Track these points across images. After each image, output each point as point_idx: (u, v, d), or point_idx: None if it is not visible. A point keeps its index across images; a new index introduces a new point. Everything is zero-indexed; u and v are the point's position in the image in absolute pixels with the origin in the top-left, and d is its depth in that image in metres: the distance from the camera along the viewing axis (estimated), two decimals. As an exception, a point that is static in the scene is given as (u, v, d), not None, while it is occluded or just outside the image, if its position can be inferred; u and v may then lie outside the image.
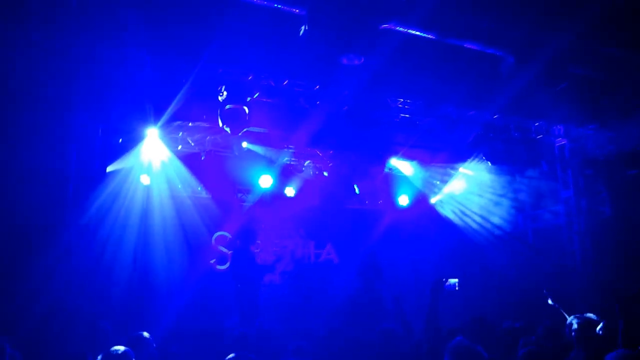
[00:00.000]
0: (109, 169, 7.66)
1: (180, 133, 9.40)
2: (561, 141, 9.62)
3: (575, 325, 3.95)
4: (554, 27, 6.39)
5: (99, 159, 6.93)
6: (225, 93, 7.11)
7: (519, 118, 9.07)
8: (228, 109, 7.03)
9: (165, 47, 6.53)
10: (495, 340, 4.69)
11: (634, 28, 6.42)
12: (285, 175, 10.77)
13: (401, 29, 6.41)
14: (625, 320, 3.55)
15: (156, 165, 9.23)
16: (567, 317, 4.49)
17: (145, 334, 4.47)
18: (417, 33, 6.53)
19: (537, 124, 9.35)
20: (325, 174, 11.07)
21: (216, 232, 10.65)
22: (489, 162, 9.14)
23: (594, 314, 4.17)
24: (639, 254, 7.99)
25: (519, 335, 4.74)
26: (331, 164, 10.99)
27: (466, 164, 10.68)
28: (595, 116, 8.63)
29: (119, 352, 3.60)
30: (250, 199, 10.76)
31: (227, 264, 10.48)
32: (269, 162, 10.27)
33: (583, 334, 3.85)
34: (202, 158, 9.78)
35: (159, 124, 7.69)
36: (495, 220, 10.98)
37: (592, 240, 9.13)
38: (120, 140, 7.99)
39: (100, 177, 7.05)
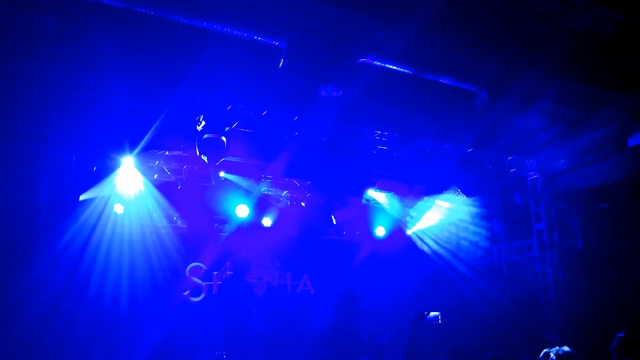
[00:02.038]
0: (82, 197, 7.51)
1: (157, 162, 9.32)
2: (533, 175, 9.82)
3: (552, 357, 3.95)
4: (526, 63, 6.61)
5: (71, 188, 6.80)
6: (203, 122, 7.10)
7: (492, 152, 9.27)
8: (206, 138, 7.02)
9: (143, 75, 6.53)
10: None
11: (603, 66, 6.69)
12: (262, 205, 10.72)
13: (378, 63, 6.54)
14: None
15: (131, 194, 9.10)
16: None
17: None
18: (394, 67, 6.68)
19: (510, 158, 9.56)
20: (303, 204, 11.06)
21: (191, 262, 10.46)
22: (464, 195, 9.26)
23: (567, 345, 4.18)
24: (610, 285, 8.11)
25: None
26: (309, 195, 11.00)
27: (442, 196, 10.81)
28: (566, 151, 8.88)
29: None
30: (227, 229, 10.65)
31: (202, 296, 10.27)
32: (246, 192, 10.23)
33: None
34: (179, 187, 9.68)
35: (135, 152, 7.62)
36: (470, 252, 11.08)
37: (564, 272, 9.25)
38: (95, 168, 7.88)
39: (72, 206, 6.90)
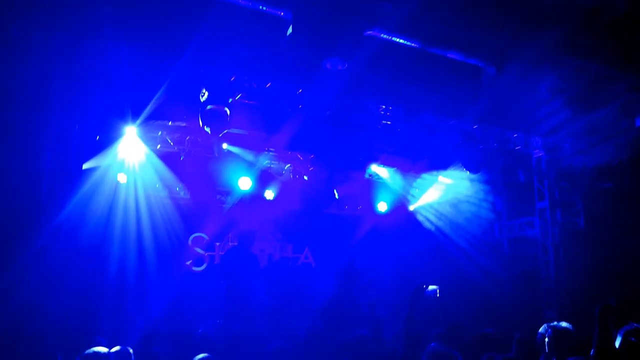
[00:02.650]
0: (85, 166, 7.52)
1: (160, 132, 9.29)
2: (538, 153, 9.78)
3: (549, 333, 3.99)
4: (534, 39, 6.50)
5: (75, 157, 6.79)
6: (206, 93, 7.04)
7: (497, 129, 9.20)
8: (209, 109, 6.97)
9: (146, 44, 6.45)
10: (468, 347, 4.72)
11: (612, 42, 6.58)
12: (265, 178, 10.73)
13: (385, 36, 6.44)
14: (599, 331, 3.62)
15: (134, 163, 9.11)
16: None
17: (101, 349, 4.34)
18: (401, 41, 6.58)
19: (515, 135, 9.50)
20: (305, 178, 11.05)
21: (193, 233, 10.53)
22: (467, 171, 9.23)
23: (565, 322, 4.22)
24: (610, 265, 8.15)
25: (491, 342, 4.78)
26: (311, 168, 10.99)
27: (445, 172, 10.79)
28: (572, 130, 8.81)
29: (101, 353, 3.49)
30: (229, 200, 10.68)
31: (204, 265, 10.38)
32: (249, 165, 10.22)
33: (557, 341, 3.89)
34: (182, 158, 9.68)
35: (138, 122, 7.59)
36: (472, 228, 11.12)
37: (565, 251, 9.29)
38: (97, 137, 7.86)
39: (76, 175, 6.91)
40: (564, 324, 4.05)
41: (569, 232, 9.38)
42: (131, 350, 4.30)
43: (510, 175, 10.40)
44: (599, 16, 6.20)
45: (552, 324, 4.09)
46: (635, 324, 3.98)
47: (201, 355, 3.69)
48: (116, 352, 3.97)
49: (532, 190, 9.89)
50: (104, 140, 8.03)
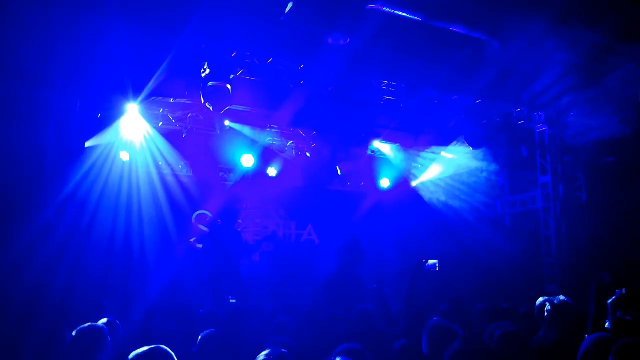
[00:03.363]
0: (87, 144, 7.53)
1: (161, 109, 9.27)
2: (541, 127, 9.73)
3: (548, 307, 4.04)
4: (538, 11, 6.41)
5: (77, 135, 6.79)
6: (207, 70, 6.99)
7: (500, 103, 9.14)
8: (211, 86, 6.93)
9: (147, 20, 6.39)
10: (470, 321, 4.79)
11: (616, 16, 6.48)
12: (267, 155, 10.73)
13: (387, 9, 6.36)
14: (595, 306, 3.66)
15: (136, 141, 9.11)
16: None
17: (102, 321, 4.40)
18: (403, 14, 6.49)
19: (518, 109, 9.44)
20: (308, 154, 11.05)
21: (197, 210, 10.59)
22: (470, 147, 9.21)
23: (567, 296, 4.27)
24: (612, 239, 8.19)
25: (493, 316, 4.84)
26: (314, 145, 10.97)
27: (448, 147, 10.77)
28: (575, 104, 8.75)
29: (95, 327, 3.54)
30: (232, 178, 10.71)
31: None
32: (252, 142, 10.21)
33: (556, 315, 3.94)
34: (184, 135, 9.68)
35: (139, 99, 7.57)
36: (474, 203, 11.15)
37: (567, 225, 9.32)
38: (99, 115, 7.85)
39: (78, 152, 6.92)
40: (563, 297, 4.10)
41: (571, 206, 9.39)
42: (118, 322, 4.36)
43: (513, 150, 10.37)
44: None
45: (551, 297, 4.14)
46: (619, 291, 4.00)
47: (208, 331, 3.75)
48: (104, 323, 4.04)
49: (535, 165, 9.88)
50: (105, 117, 8.01)
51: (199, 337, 3.66)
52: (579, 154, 9.36)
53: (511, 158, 10.50)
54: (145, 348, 2.76)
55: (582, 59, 7.69)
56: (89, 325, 3.53)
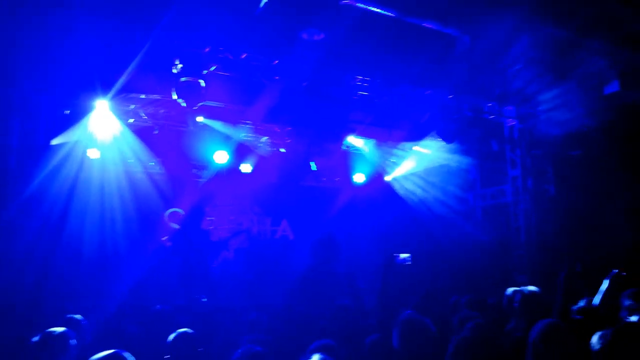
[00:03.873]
0: (54, 142, 7.35)
1: (132, 105, 9.09)
2: (511, 122, 9.91)
3: (518, 297, 4.12)
4: (507, 8, 6.51)
5: (43, 132, 6.63)
6: (180, 65, 6.88)
7: (471, 98, 9.27)
8: (183, 81, 6.83)
9: (116, 14, 6.25)
10: (442, 313, 4.85)
11: (582, 12, 6.63)
12: (241, 151, 10.65)
13: (361, 5, 6.37)
14: (563, 295, 3.74)
15: (106, 138, 8.92)
16: None
17: (78, 316, 4.33)
18: (377, 10, 6.51)
19: (489, 104, 9.59)
20: (283, 150, 11.02)
21: (169, 208, 10.46)
22: (442, 141, 9.32)
23: (535, 287, 4.36)
24: (579, 231, 8.41)
25: (464, 307, 4.93)
26: (288, 141, 10.95)
27: (421, 142, 10.88)
28: (543, 98, 8.93)
29: (57, 333, 3.48)
30: (205, 174, 10.60)
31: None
32: (225, 138, 10.11)
33: (526, 305, 4.02)
34: (155, 132, 9.52)
35: (109, 95, 7.41)
36: (447, 197, 11.31)
37: (536, 218, 9.53)
38: (67, 112, 7.66)
39: (44, 150, 6.76)
40: (532, 288, 4.18)
41: (540, 199, 9.61)
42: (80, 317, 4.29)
43: (484, 144, 10.54)
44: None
45: (520, 288, 4.22)
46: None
47: (181, 330, 3.71)
48: (71, 325, 3.97)
49: (505, 159, 10.06)
50: (73, 114, 7.83)
51: (171, 337, 3.62)
52: (548, 147, 9.58)
53: (483, 152, 10.68)
54: (104, 353, 2.73)
55: (550, 54, 7.86)
56: (51, 330, 3.47)
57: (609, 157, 8.47)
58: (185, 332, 3.69)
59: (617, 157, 8.39)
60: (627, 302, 4.72)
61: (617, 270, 4.19)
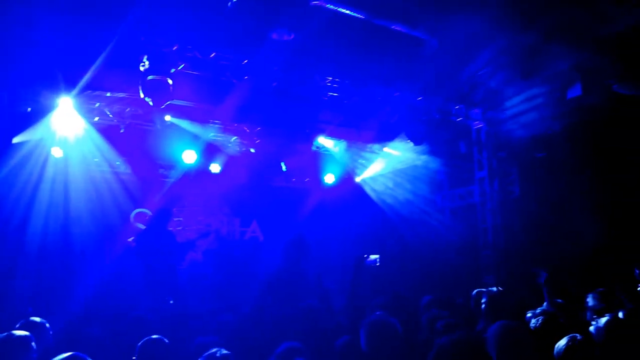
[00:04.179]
0: (15, 140, 7.11)
1: (97, 103, 8.87)
2: (478, 124, 10.09)
3: (484, 298, 4.18)
4: (474, 12, 6.62)
5: (3, 129, 6.41)
6: (147, 63, 6.74)
7: (440, 100, 9.40)
8: (150, 79, 6.69)
9: (81, 8, 6.07)
10: (413, 314, 4.89)
11: (546, 18, 6.80)
12: (210, 151, 10.52)
13: (331, 6, 6.37)
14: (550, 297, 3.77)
15: (70, 137, 8.68)
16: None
17: (38, 319, 4.20)
18: (347, 12, 6.53)
19: (457, 107, 9.74)
20: (252, 150, 10.94)
21: (136, 208, 10.25)
22: (411, 143, 9.42)
23: (502, 287, 4.44)
24: (543, 231, 8.62)
25: (435, 309, 4.97)
26: (258, 141, 10.87)
27: (391, 143, 10.97)
28: (509, 101, 9.12)
29: (17, 336, 3.37)
30: (173, 174, 10.43)
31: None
32: (194, 137, 9.98)
33: (492, 306, 4.08)
34: (122, 131, 9.31)
35: (73, 92, 7.22)
36: (416, 198, 11.44)
37: (502, 218, 9.73)
38: (29, 109, 7.42)
39: (5, 148, 6.53)
40: (499, 288, 4.25)
41: (505, 200, 9.81)
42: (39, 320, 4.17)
43: (452, 146, 10.71)
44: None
45: (487, 289, 4.29)
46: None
47: (151, 337, 3.62)
48: (33, 327, 3.86)
49: (472, 160, 10.24)
50: (35, 111, 7.58)
51: (139, 343, 3.55)
52: (513, 149, 9.79)
53: (451, 153, 10.84)
54: (63, 356, 2.66)
55: (516, 58, 8.03)
56: (11, 333, 3.36)
57: (572, 159, 8.71)
58: (153, 338, 3.61)
59: (579, 159, 8.64)
60: (592, 303, 4.87)
61: (546, 274, 4.30)
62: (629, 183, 8.42)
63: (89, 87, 7.05)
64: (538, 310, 4.21)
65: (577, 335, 3.14)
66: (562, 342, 2.91)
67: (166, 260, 8.01)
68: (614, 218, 8.25)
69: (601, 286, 5.42)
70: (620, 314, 4.37)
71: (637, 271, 4.66)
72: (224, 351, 3.15)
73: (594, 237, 7.86)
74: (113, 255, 9.25)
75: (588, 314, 4.66)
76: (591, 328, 3.83)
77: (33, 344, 3.40)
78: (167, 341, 3.59)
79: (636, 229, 8.06)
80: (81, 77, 6.76)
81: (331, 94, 8.57)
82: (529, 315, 4.19)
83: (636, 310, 4.40)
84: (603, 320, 3.74)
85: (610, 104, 8.19)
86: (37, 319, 4.18)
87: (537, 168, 9.47)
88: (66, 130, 8.49)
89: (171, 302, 7.38)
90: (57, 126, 8.22)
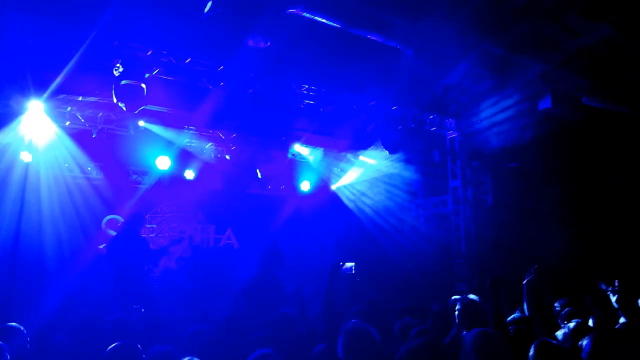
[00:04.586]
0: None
1: (69, 107, 8.69)
2: (452, 134, 10.24)
3: (458, 306, 4.22)
4: (450, 26, 6.74)
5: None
6: (121, 67, 6.64)
7: (415, 110, 9.52)
8: (124, 84, 6.59)
9: (52, 11, 5.96)
10: (386, 321, 4.90)
11: (519, 32, 6.96)
12: (184, 157, 10.41)
13: (307, 14, 6.40)
14: (493, 301, 3.82)
15: (40, 141, 8.47)
16: None
17: (15, 325, 4.08)
18: (323, 20, 6.56)
19: (431, 116, 9.88)
20: (227, 157, 10.87)
21: (107, 215, 10.05)
22: (387, 151, 9.50)
23: (473, 294, 4.49)
24: (515, 239, 8.76)
25: (408, 316, 5.00)
26: (233, 148, 10.81)
27: (366, 152, 11.04)
28: (483, 112, 9.29)
29: None
30: (147, 181, 10.28)
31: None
32: (168, 143, 9.85)
33: (465, 313, 4.12)
34: (94, 136, 9.14)
35: (44, 96, 7.06)
36: (390, 206, 11.51)
37: (475, 227, 9.86)
38: (-3, 113, 7.23)
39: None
40: (471, 296, 4.29)
41: (478, 209, 9.96)
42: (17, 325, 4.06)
43: (427, 155, 10.83)
44: (506, 3, 6.52)
45: (460, 297, 4.33)
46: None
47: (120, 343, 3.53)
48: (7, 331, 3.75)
49: (447, 170, 10.37)
50: (4, 115, 7.39)
51: (106, 350, 3.46)
52: (486, 159, 9.96)
53: (426, 162, 10.96)
54: None
55: (489, 70, 8.20)
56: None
57: (544, 169, 8.92)
58: (120, 344, 3.52)
59: (550, 169, 8.85)
60: (561, 309, 4.98)
61: (529, 277, 4.37)
62: (598, 192, 8.66)
63: (60, 90, 6.91)
64: (513, 318, 4.27)
65: (547, 340, 3.19)
66: (532, 348, 2.95)
67: (138, 267, 7.87)
68: (584, 227, 8.47)
69: (571, 293, 5.55)
70: (590, 322, 4.48)
71: (602, 284, 4.78)
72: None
73: (564, 245, 8.04)
74: (84, 262, 9.04)
75: (559, 320, 4.74)
76: (559, 333, 3.91)
77: (7, 354, 3.30)
78: (136, 347, 3.51)
79: (605, 237, 8.29)
80: (52, 80, 6.62)
81: (307, 101, 8.60)
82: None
83: (605, 317, 4.50)
84: (571, 325, 3.82)
85: (579, 116, 8.43)
86: (14, 324, 4.06)
87: (510, 177, 9.66)
88: (36, 135, 8.29)
89: (142, 310, 7.23)
90: (26, 130, 8.03)
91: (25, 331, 4.04)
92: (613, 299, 4.58)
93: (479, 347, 2.82)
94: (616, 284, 4.64)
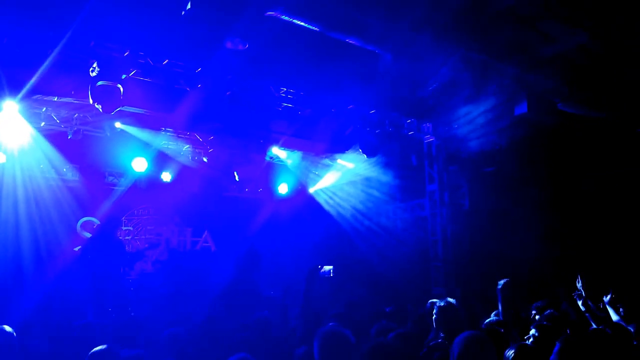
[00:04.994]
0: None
1: (44, 108, 8.53)
2: (429, 138, 10.33)
3: (436, 309, 4.26)
4: (427, 31, 6.81)
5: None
6: (97, 68, 6.55)
7: (393, 114, 9.58)
8: (100, 85, 6.50)
9: (27, 11, 5.85)
10: (364, 324, 4.93)
11: (495, 37, 7.07)
12: (161, 159, 10.31)
13: (286, 17, 6.40)
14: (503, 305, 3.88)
15: (14, 142, 8.30)
16: None
17: (7, 328, 4.00)
18: (302, 24, 6.57)
19: (409, 121, 9.96)
20: (205, 159, 10.79)
21: (82, 217, 9.88)
22: (365, 155, 9.55)
23: (450, 297, 4.54)
24: (491, 243, 8.89)
25: (386, 319, 5.03)
26: (211, 150, 10.74)
27: (344, 155, 11.07)
28: (460, 117, 9.40)
29: None
30: (123, 183, 10.14)
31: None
32: (145, 145, 9.74)
33: (442, 316, 4.16)
34: (69, 137, 8.98)
35: (18, 97, 6.91)
36: (368, 210, 11.57)
37: (452, 231, 9.96)
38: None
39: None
40: (449, 299, 4.34)
41: (455, 213, 10.06)
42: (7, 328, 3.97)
43: (404, 158, 10.90)
44: (483, 9, 6.61)
45: (437, 300, 4.37)
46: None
47: (99, 348, 3.48)
48: None
49: (424, 174, 10.46)
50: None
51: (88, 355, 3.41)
52: (463, 163, 10.07)
53: (403, 166, 11.04)
54: None
55: (466, 75, 8.30)
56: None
57: (519, 173, 9.06)
58: (101, 349, 3.47)
59: (526, 174, 9.00)
60: (537, 312, 5.07)
61: (504, 281, 4.46)
62: (573, 197, 8.84)
63: (35, 91, 6.77)
64: (491, 320, 4.34)
65: (524, 343, 3.25)
66: (510, 351, 3.00)
67: (113, 270, 7.76)
68: (560, 231, 8.62)
69: (546, 296, 5.65)
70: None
71: (579, 278, 4.87)
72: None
73: (540, 249, 8.18)
74: (59, 265, 8.87)
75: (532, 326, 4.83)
76: (529, 335, 3.99)
77: None
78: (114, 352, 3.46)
79: (581, 240, 8.46)
80: (27, 80, 6.48)
81: (285, 104, 8.59)
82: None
83: (580, 322, 4.60)
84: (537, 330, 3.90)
85: (555, 121, 8.59)
86: (7, 328, 3.98)
87: (487, 182, 9.78)
88: (11, 136, 8.12)
89: (112, 314, 7.13)
90: (0, 131, 7.85)
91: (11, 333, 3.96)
92: (579, 302, 4.69)
93: (466, 351, 2.86)
94: (579, 287, 4.75)
